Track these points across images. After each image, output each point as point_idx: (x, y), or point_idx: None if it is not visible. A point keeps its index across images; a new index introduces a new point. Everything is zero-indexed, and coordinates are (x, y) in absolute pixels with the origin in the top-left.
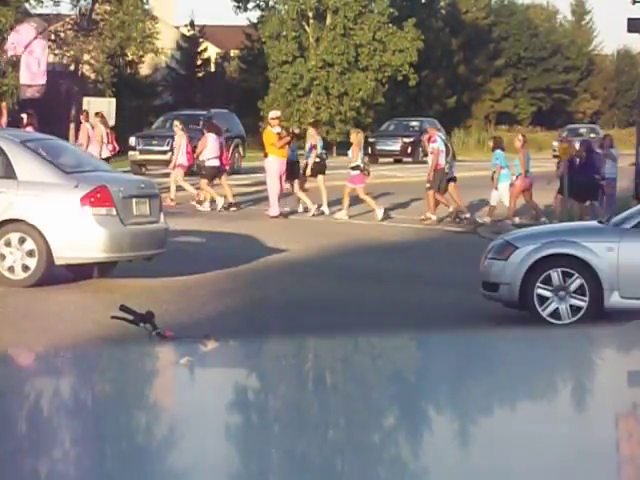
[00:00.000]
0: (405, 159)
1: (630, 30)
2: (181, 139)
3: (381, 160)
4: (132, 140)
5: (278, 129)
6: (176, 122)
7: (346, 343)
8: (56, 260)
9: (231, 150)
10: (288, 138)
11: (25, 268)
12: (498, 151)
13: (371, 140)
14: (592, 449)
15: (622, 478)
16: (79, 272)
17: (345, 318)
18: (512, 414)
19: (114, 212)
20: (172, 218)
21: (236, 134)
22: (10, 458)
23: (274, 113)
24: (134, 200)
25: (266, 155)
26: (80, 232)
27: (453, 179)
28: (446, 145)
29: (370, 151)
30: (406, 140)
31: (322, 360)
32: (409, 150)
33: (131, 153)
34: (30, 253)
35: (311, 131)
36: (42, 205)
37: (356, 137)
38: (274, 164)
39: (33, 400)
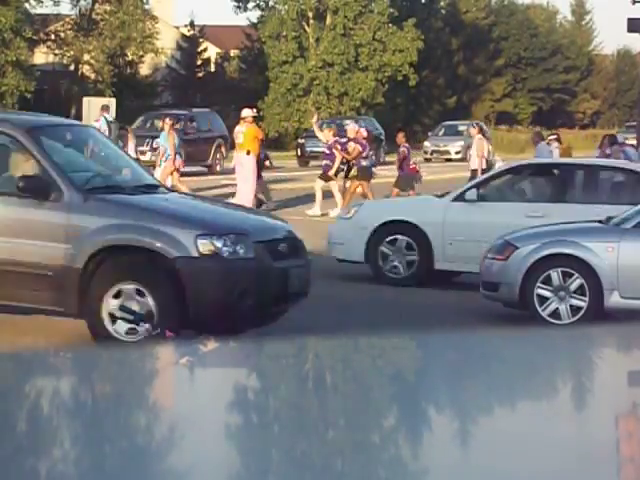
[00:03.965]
0: None
1: (630, 30)
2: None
3: (312, 163)
4: None
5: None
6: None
7: (346, 343)
8: None
9: (213, 150)
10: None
11: None
12: (163, 133)
13: (300, 141)
14: (592, 449)
15: (622, 478)
16: None
17: (345, 318)
18: (512, 414)
19: None
20: None
21: (218, 134)
22: (10, 458)
23: (247, 112)
24: None
25: (248, 152)
26: None
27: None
28: (109, 127)
29: (300, 152)
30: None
31: (322, 360)
32: None
33: None
34: None
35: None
36: None
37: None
38: (253, 161)
39: (33, 400)
